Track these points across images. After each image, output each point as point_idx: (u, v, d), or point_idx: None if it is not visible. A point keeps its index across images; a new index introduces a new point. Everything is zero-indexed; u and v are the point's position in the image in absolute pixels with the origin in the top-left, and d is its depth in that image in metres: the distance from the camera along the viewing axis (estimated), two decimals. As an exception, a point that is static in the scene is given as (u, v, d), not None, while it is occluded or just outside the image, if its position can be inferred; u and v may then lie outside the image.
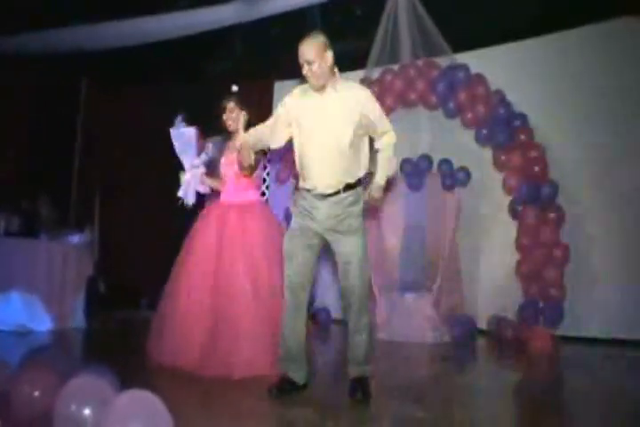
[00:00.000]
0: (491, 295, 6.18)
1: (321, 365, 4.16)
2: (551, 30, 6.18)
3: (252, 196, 4.07)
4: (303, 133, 3.34)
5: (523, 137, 5.90)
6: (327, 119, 3.29)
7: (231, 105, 4.01)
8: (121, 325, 6.60)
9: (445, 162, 6.20)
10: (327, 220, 3.29)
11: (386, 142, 3.42)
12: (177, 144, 4.12)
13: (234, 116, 4.02)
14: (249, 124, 3.92)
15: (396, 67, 6.60)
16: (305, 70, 3.25)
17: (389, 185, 3.53)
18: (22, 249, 5.75)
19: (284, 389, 3.28)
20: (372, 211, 6.51)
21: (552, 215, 5.73)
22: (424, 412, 2.94)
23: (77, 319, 6.00)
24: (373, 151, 3.43)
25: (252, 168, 3.67)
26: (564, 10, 5.90)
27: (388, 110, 6.62)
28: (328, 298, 6.65)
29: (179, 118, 4.13)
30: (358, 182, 3.34)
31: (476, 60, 6.28)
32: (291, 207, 3.57)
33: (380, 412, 2.96)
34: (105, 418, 2.00)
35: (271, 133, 3.46)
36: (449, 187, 6.15)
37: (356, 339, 3.33)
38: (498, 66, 6.29)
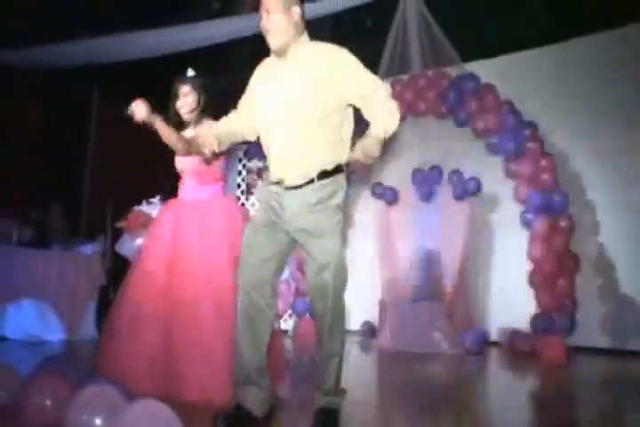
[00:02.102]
0: (502, 306, 6.14)
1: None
2: (561, 39, 6.18)
3: (213, 191, 3.52)
4: (263, 112, 2.70)
5: (533, 146, 5.86)
6: (285, 91, 2.62)
7: (185, 89, 3.44)
8: None
9: (456, 172, 6.19)
10: (297, 218, 2.61)
11: (380, 99, 2.56)
12: None
13: (189, 100, 3.44)
14: (204, 111, 3.47)
15: (405, 77, 6.62)
16: (262, 22, 2.62)
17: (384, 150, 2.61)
18: (34, 259, 5.80)
19: (236, 421, 2.55)
20: (382, 221, 6.57)
21: (563, 224, 5.69)
22: (435, 424, 2.91)
23: (89, 329, 6.01)
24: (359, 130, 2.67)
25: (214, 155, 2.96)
26: (574, 18, 5.92)
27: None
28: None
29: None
30: (338, 169, 2.63)
31: (485, 70, 6.29)
32: (256, 199, 2.94)
33: (390, 424, 2.92)
34: (116, 428, 2.00)
35: (240, 120, 2.84)
36: (460, 197, 6.13)
37: (325, 366, 2.65)
38: (507, 75, 6.30)
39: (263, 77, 2.74)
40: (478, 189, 6.13)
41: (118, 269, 7.43)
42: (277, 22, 2.60)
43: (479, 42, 6.23)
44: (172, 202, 3.56)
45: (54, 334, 5.70)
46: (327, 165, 2.59)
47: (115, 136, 8.08)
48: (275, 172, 2.68)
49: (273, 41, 2.62)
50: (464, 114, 6.20)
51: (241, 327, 2.65)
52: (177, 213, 3.44)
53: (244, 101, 2.83)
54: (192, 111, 3.46)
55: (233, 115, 2.87)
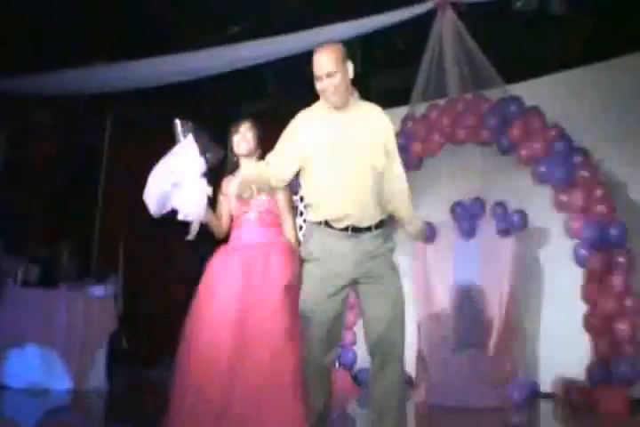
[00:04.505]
0: (555, 353, 5.99)
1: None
2: (612, 55, 6.09)
3: (277, 235, 3.67)
4: (325, 160, 3.07)
5: (585, 174, 5.78)
6: (358, 141, 3.07)
7: (247, 125, 3.68)
8: (146, 385, 6.52)
9: (499, 204, 6.14)
10: (356, 262, 3.06)
11: (400, 189, 3.22)
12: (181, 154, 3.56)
13: (249, 137, 3.66)
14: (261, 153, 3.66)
15: (442, 101, 6.62)
16: (323, 85, 2.98)
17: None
18: (40, 300, 5.87)
19: None
20: (419, 260, 6.49)
21: (622, 260, 5.55)
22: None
23: (98, 378, 6.02)
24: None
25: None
26: (625, 34, 5.88)
27: (435, 149, 6.67)
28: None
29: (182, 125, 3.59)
30: (385, 222, 3.16)
31: (530, 92, 6.25)
32: (301, 249, 3.28)
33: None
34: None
35: (280, 167, 3.15)
36: (504, 232, 6.06)
37: None
38: (554, 97, 6.25)
39: (318, 129, 3.07)
40: (525, 222, 6.06)
41: (131, 313, 7.53)
42: (338, 83, 2.97)
43: (522, 61, 6.23)
44: (227, 248, 3.64)
45: (60, 382, 5.71)
46: (381, 214, 3.11)
47: (128, 170, 8.21)
48: (335, 212, 3.06)
49: (335, 99, 3.02)
50: (508, 140, 6.15)
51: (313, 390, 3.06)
52: (245, 256, 3.52)
53: (289, 150, 3.12)
54: (252, 147, 3.66)
55: (275, 160, 3.16)
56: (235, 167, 3.75)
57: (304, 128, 3.12)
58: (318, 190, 3.13)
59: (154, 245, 8.09)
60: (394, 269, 3.12)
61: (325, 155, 3.06)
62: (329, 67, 2.95)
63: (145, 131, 8.07)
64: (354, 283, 3.09)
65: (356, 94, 3.15)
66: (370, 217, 3.07)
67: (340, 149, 3.05)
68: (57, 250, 6.61)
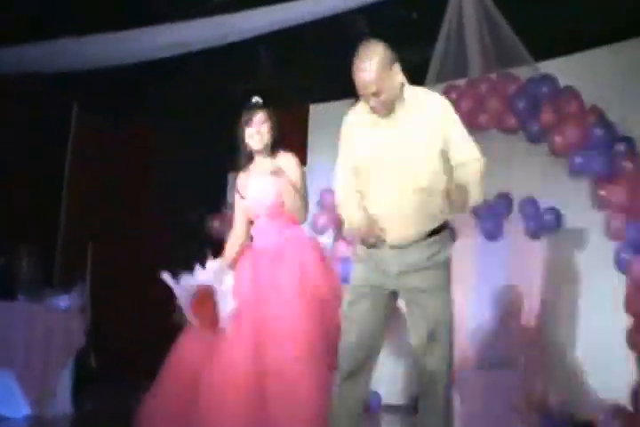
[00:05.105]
0: (594, 373, 5.66)
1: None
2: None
3: (293, 234, 3.77)
4: (364, 169, 3.12)
5: (628, 165, 5.47)
6: (399, 149, 3.03)
7: (261, 116, 3.69)
8: (117, 410, 6.27)
9: (529, 201, 5.93)
10: (401, 272, 3.07)
11: (477, 170, 3.05)
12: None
13: (263, 129, 3.68)
14: (276, 141, 3.74)
15: (462, 82, 6.41)
16: (369, 102, 3.00)
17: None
18: (-5, 313, 5.71)
19: None
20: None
21: (672, 266, 5.25)
22: None
23: (63, 403, 5.89)
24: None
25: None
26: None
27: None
28: (379, 380, 6.21)
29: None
30: (444, 226, 3.12)
31: (565, 70, 5.99)
32: (352, 256, 3.40)
33: None
34: None
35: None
36: (534, 232, 5.88)
37: None
38: (594, 76, 5.96)
39: (364, 140, 3.11)
40: (558, 222, 5.83)
41: (101, 326, 7.27)
42: (386, 99, 2.95)
43: (556, 35, 6.02)
44: (246, 250, 3.80)
45: (18, 409, 5.54)
46: (434, 223, 3.04)
47: (98, 163, 8.04)
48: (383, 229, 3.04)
49: (381, 112, 3.00)
50: (538, 126, 5.88)
51: (338, 402, 3.10)
52: (255, 263, 3.67)
53: (350, 168, 3.17)
54: (266, 140, 3.70)
55: (352, 187, 3.19)
56: (247, 161, 3.81)
57: (356, 137, 3.16)
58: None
59: (127, 248, 8.02)
60: (440, 287, 3.13)
61: (369, 169, 3.10)
62: (373, 87, 2.92)
63: (117, 119, 7.96)
64: (394, 294, 3.17)
65: (404, 88, 3.06)
66: (415, 234, 3.03)
67: (384, 165, 3.05)
68: (14, 256, 6.38)
